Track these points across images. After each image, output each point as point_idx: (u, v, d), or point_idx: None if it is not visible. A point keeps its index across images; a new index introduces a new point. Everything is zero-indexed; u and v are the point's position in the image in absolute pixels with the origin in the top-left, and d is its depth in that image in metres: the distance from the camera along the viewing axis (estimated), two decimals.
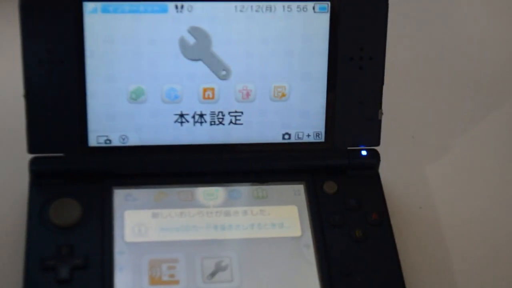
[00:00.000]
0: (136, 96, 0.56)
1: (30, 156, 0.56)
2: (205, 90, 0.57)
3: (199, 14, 0.56)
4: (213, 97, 0.57)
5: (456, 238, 0.61)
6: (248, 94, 0.57)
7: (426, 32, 0.77)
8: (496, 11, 0.80)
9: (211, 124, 0.58)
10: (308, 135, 0.59)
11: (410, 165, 0.66)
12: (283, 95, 0.58)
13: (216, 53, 0.57)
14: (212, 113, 0.57)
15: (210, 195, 0.57)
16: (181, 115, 0.57)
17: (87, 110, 0.56)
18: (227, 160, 0.58)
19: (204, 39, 0.56)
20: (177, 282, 0.52)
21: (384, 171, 0.60)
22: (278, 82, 0.58)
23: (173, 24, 0.56)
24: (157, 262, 0.53)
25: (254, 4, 0.56)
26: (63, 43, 0.55)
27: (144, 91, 0.56)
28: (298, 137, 0.59)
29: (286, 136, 0.59)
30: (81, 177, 0.56)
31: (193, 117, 0.57)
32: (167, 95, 0.57)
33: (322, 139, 0.59)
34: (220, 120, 0.58)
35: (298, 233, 0.56)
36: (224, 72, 0.57)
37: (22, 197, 0.56)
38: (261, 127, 0.58)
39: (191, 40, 0.56)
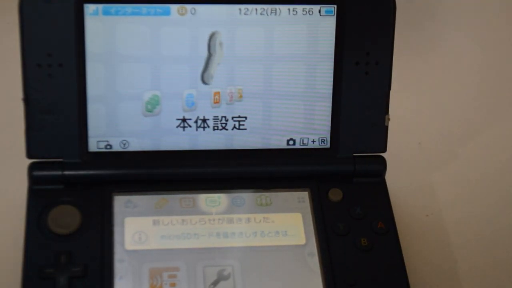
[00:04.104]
0: (138, 101, 0.56)
1: (29, 161, 0.55)
2: (215, 94, 0.56)
3: (202, 16, 0.55)
4: (219, 101, 0.56)
5: (463, 246, 0.61)
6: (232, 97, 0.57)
7: (433, 37, 0.77)
8: (501, 15, 0.80)
9: (214, 129, 0.57)
10: (313, 141, 0.58)
11: (417, 172, 0.66)
12: (288, 100, 0.57)
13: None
14: (215, 118, 0.57)
15: (213, 202, 0.56)
16: (184, 120, 0.56)
17: (87, 114, 0.55)
18: (230, 166, 0.58)
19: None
20: None
21: (391, 178, 0.59)
22: (282, 87, 0.57)
23: (176, 27, 0.55)
24: (158, 270, 0.52)
25: (259, 7, 0.55)
26: (64, 46, 0.54)
27: (146, 96, 0.56)
28: (303, 143, 0.58)
29: (291, 142, 0.58)
30: (81, 183, 0.55)
31: (196, 122, 0.57)
32: (169, 100, 0.56)
33: (327, 145, 0.58)
34: (223, 125, 0.57)
35: (302, 241, 0.55)
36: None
37: (21, 203, 0.55)
38: (265, 132, 0.57)
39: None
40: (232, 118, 0.57)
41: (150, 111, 0.56)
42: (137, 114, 0.56)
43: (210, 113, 0.57)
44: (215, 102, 0.57)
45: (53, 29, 0.54)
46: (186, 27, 0.55)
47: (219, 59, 0.56)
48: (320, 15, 0.56)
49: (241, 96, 0.57)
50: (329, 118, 0.58)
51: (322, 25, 0.56)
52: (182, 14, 0.55)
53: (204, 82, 0.56)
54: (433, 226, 0.62)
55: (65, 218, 0.54)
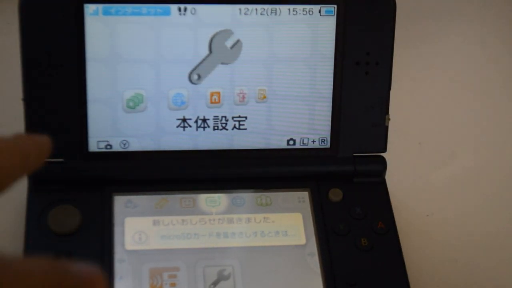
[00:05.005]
0: (138, 101, 0.56)
1: None
2: (212, 94, 0.56)
3: (202, 16, 0.55)
4: (219, 101, 0.56)
5: (463, 247, 0.61)
6: (244, 98, 0.57)
7: (433, 37, 0.77)
8: (501, 14, 0.80)
9: (214, 129, 0.57)
10: (313, 141, 0.58)
11: (417, 172, 0.65)
12: (288, 99, 0.57)
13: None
14: (216, 118, 0.57)
15: (213, 202, 0.56)
16: (184, 120, 0.56)
17: (87, 114, 0.55)
18: (230, 166, 0.57)
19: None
20: None
21: (391, 178, 0.59)
22: (282, 87, 0.57)
23: (176, 27, 0.55)
24: (158, 270, 0.52)
25: (259, 7, 0.55)
26: (64, 46, 0.54)
27: (146, 97, 0.56)
28: (303, 143, 0.58)
29: (291, 142, 0.58)
30: (81, 183, 0.55)
31: (196, 121, 0.57)
32: (173, 101, 0.56)
33: (327, 145, 0.58)
34: (224, 125, 0.57)
35: (302, 241, 0.55)
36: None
37: (21, 203, 0.55)
38: (265, 132, 0.57)
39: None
40: (232, 118, 0.57)
41: (151, 112, 0.56)
42: (137, 115, 0.56)
43: (210, 113, 0.57)
44: (212, 102, 0.57)
45: (53, 29, 0.54)
46: (186, 27, 0.55)
47: (219, 59, 0.56)
48: (320, 15, 0.56)
49: (264, 97, 0.57)
50: (329, 118, 0.58)
51: (322, 25, 0.56)
52: (182, 14, 0.55)
53: (192, 81, 0.56)
54: (433, 226, 0.62)
55: (65, 218, 0.53)
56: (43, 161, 0.35)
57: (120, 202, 0.55)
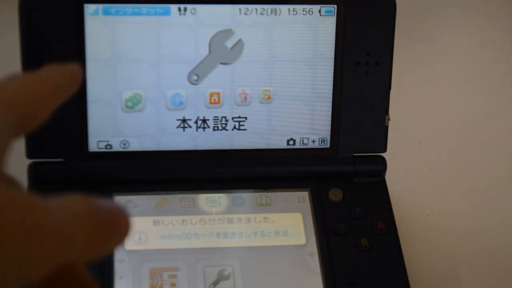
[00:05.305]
0: (136, 101, 0.56)
1: (29, 161, 0.55)
2: (211, 94, 0.56)
3: (202, 17, 0.55)
4: (218, 102, 0.56)
5: (463, 246, 0.61)
6: (246, 98, 0.57)
7: (433, 36, 0.77)
8: (501, 14, 0.80)
9: (214, 130, 0.57)
10: (313, 141, 0.58)
11: (417, 172, 0.65)
12: (288, 99, 0.57)
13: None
14: (215, 118, 0.57)
15: (213, 202, 0.56)
16: (184, 120, 0.56)
17: (87, 114, 0.55)
18: (230, 166, 0.57)
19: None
20: None
21: (391, 178, 0.59)
22: (282, 87, 0.57)
23: (176, 27, 0.55)
24: (158, 270, 0.52)
25: (259, 7, 0.55)
26: (64, 46, 0.54)
27: (145, 97, 0.56)
28: (303, 143, 0.58)
29: (291, 142, 0.58)
30: (81, 183, 0.55)
31: (196, 122, 0.57)
32: (170, 101, 0.56)
33: (327, 145, 0.58)
34: (224, 125, 0.57)
35: (302, 241, 0.55)
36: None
37: None
38: (265, 132, 0.57)
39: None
40: (232, 118, 0.57)
41: (151, 112, 0.56)
42: (137, 115, 0.56)
43: (209, 113, 0.57)
44: (211, 103, 0.57)
45: (53, 29, 0.54)
46: (186, 27, 0.55)
47: (218, 60, 0.56)
48: (320, 15, 0.56)
49: (269, 98, 0.57)
50: (329, 118, 0.58)
51: (322, 25, 0.56)
52: (182, 14, 0.55)
53: (190, 82, 0.56)
54: (433, 226, 0.62)
55: None
56: (75, 89, 0.35)
57: (120, 202, 0.55)
